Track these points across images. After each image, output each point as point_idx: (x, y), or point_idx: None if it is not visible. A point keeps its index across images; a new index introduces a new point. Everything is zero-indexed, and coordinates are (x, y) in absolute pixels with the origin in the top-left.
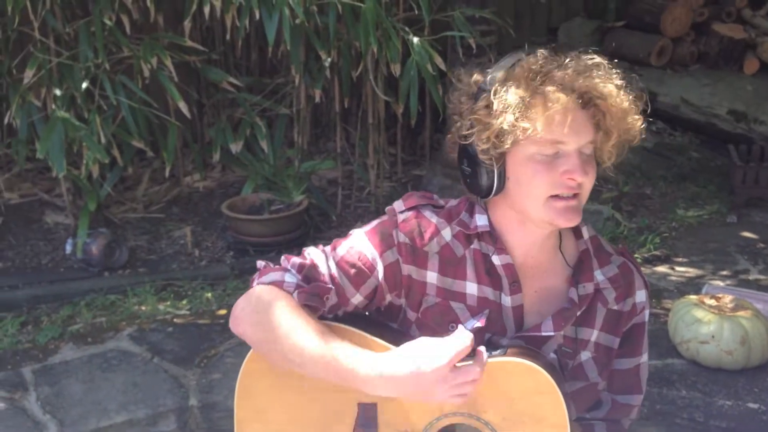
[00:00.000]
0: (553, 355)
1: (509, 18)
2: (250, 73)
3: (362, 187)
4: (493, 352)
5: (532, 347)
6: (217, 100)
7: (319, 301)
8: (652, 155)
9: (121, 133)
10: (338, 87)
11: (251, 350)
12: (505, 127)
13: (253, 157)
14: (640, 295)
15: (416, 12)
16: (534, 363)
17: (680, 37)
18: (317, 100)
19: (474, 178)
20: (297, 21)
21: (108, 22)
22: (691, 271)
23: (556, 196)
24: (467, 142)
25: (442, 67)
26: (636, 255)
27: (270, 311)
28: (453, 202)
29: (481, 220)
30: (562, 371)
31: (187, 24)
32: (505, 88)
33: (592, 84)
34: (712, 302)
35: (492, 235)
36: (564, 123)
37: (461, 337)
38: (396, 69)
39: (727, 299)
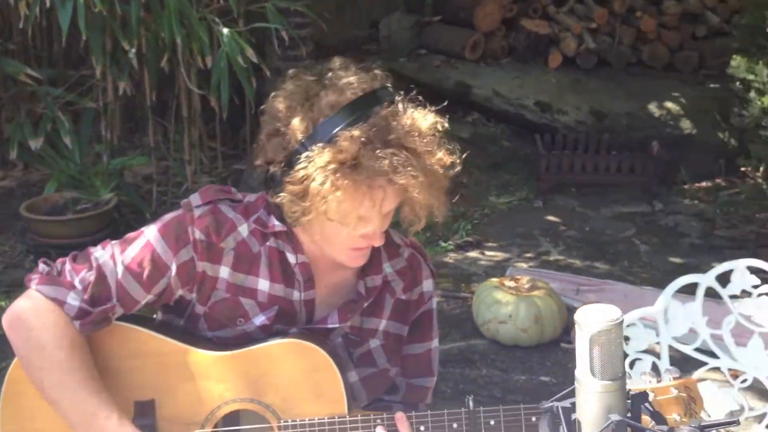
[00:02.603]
0: (339, 340)
1: (330, 11)
2: (52, 65)
3: (180, 183)
4: (274, 338)
5: (314, 331)
6: (15, 93)
7: (104, 324)
8: (468, 145)
9: None
10: (148, 79)
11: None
12: (315, 217)
13: (57, 154)
14: (427, 285)
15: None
16: (308, 342)
17: (492, 32)
18: (121, 92)
19: (278, 210)
20: (96, 10)
21: None
22: (499, 255)
23: (352, 248)
24: (272, 198)
25: (254, 59)
26: (450, 242)
27: (45, 335)
28: (251, 197)
29: (278, 222)
30: (349, 356)
31: None
32: (322, 179)
33: (408, 183)
34: (512, 284)
35: (288, 235)
36: (373, 208)
37: None
38: (208, 61)
39: (524, 280)
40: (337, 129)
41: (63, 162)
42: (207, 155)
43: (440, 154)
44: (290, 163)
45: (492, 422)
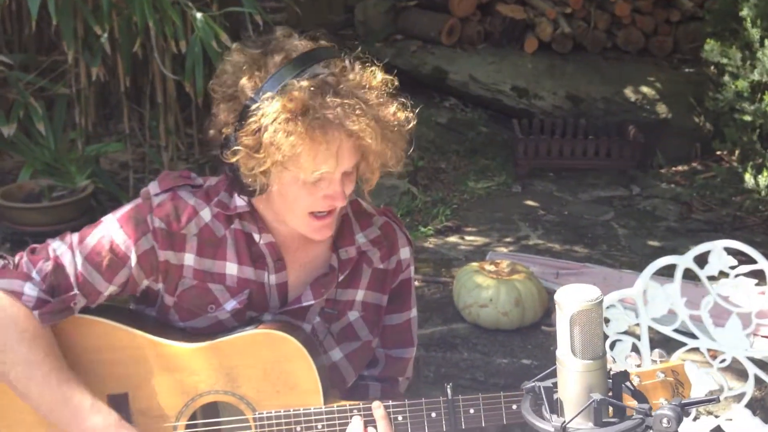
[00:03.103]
0: (317, 319)
1: None
2: (23, 50)
3: (156, 170)
4: (246, 328)
5: (289, 320)
6: None
7: (65, 314)
8: (446, 130)
9: None
10: (121, 65)
11: None
12: (272, 168)
13: (31, 141)
14: (404, 252)
15: None
16: (282, 332)
17: (468, 17)
18: (95, 78)
19: (235, 182)
20: None
21: None
22: (479, 240)
23: (314, 214)
24: (228, 158)
25: (229, 44)
26: (429, 227)
27: (4, 329)
28: (212, 181)
29: (240, 201)
30: (329, 333)
31: None
32: (275, 128)
33: (360, 128)
34: (492, 268)
35: (253, 215)
36: (330, 157)
37: None
38: (182, 46)
39: (504, 264)
40: (285, 80)
41: (37, 149)
42: (184, 142)
43: (393, 108)
44: (242, 117)
45: (472, 411)
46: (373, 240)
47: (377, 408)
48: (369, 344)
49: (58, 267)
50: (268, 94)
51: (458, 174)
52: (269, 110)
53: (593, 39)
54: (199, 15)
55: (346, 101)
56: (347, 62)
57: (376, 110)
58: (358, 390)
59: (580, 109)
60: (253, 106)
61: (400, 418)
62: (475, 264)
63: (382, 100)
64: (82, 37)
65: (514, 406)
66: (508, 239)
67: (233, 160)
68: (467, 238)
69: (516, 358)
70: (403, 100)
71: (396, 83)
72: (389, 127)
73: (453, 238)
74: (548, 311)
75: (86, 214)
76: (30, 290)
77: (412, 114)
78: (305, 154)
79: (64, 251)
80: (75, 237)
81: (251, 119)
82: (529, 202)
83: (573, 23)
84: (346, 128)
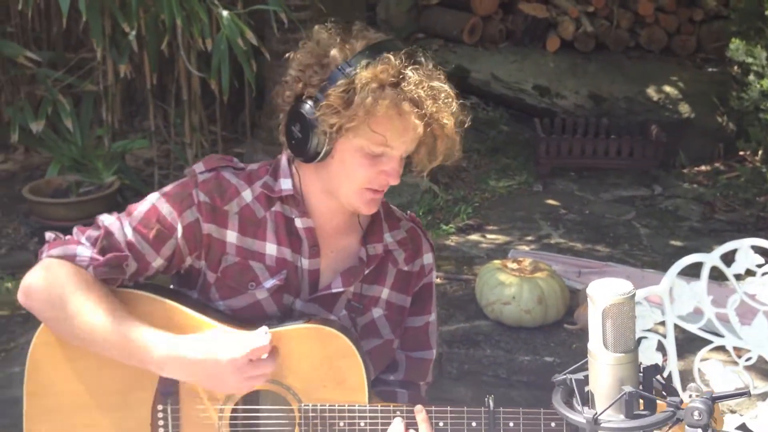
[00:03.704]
0: (343, 312)
1: None
2: (52, 47)
3: (181, 167)
4: (295, 322)
5: (326, 307)
6: (15, 76)
7: (117, 272)
8: (468, 129)
9: None
10: (148, 62)
11: (42, 324)
12: (358, 126)
13: (58, 137)
14: (428, 258)
15: None
16: (333, 329)
17: (489, 16)
18: (122, 75)
19: (302, 143)
20: None
21: None
22: (500, 238)
23: (368, 188)
24: (307, 113)
25: (254, 42)
26: (451, 225)
27: (61, 288)
28: (254, 166)
29: (285, 184)
30: (354, 327)
31: None
32: (369, 91)
33: (438, 112)
34: (514, 266)
35: (295, 199)
36: (403, 134)
37: (260, 336)
38: (208, 44)
39: (527, 262)
40: (378, 57)
41: (65, 145)
42: (207, 139)
43: (456, 108)
44: (332, 80)
45: (511, 424)
46: (400, 241)
47: (419, 412)
48: (390, 344)
49: (109, 234)
50: (364, 61)
51: (479, 173)
52: (363, 74)
53: (616, 38)
54: (225, 13)
55: (431, 84)
56: (424, 55)
57: (449, 101)
58: (386, 397)
59: (602, 109)
60: (347, 70)
61: (441, 424)
62: (497, 262)
63: (452, 95)
64: (109, 35)
65: (553, 424)
66: (529, 238)
67: (317, 114)
68: (489, 236)
69: (538, 355)
70: (462, 101)
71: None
72: (457, 118)
73: (474, 236)
74: (570, 309)
75: (112, 210)
76: (83, 251)
77: (468, 115)
78: (390, 125)
79: (113, 222)
80: (123, 213)
81: (342, 81)
82: (551, 202)
83: (596, 22)
84: (427, 109)
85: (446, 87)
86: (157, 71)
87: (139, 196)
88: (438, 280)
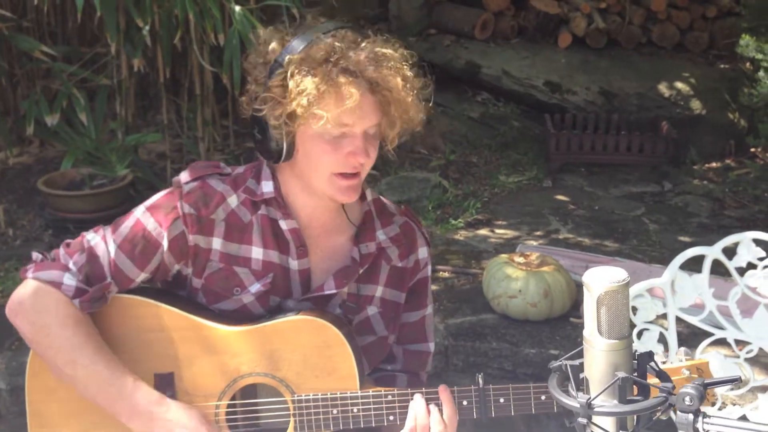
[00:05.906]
0: (339, 311)
1: None
2: (67, 42)
3: (193, 160)
4: (287, 314)
5: (319, 307)
6: (30, 70)
7: (102, 302)
8: (478, 125)
9: None
10: (161, 57)
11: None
12: (298, 111)
13: (73, 131)
14: (422, 252)
15: None
16: (323, 319)
17: (501, 11)
18: (136, 69)
19: (264, 144)
20: None
21: None
22: (509, 233)
23: (339, 174)
24: (259, 113)
25: None
26: (460, 219)
27: (48, 316)
28: (240, 170)
29: (267, 187)
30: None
31: None
32: (300, 73)
33: (381, 75)
34: (521, 260)
35: (278, 201)
36: (353, 109)
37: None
38: (221, 38)
39: (534, 256)
40: (311, 39)
41: (79, 138)
42: (219, 133)
43: (410, 73)
44: (271, 72)
45: (501, 400)
46: (393, 238)
47: (443, 391)
48: (384, 340)
49: (92, 258)
50: (299, 47)
51: (489, 168)
52: (295, 59)
53: (628, 34)
54: (237, 8)
55: (368, 54)
56: (371, 34)
57: (396, 65)
58: (385, 381)
59: (613, 105)
60: (282, 58)
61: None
62: (504, 255)
63: (401, 61)
64: (123, 30)
65: (543, 397)
66: (538, 233)
67: (262, 108)
68: (497, 231)
69: (544, 348)
70: (422, 65)
71: (415, 57)
72: (408, 80)
73: (483, 231)
74: (576, 303)
75: (126, 203)
76: (68, 280)
77: (429, 80)
78: (328, 100)
79: (98, 242)
80: (108, 229)
81: (279, 70)
82: (560, 197)
83: (607, 18)
84: (367, 76)
85: (395, 54)
86: (170, 66)
87: (151, 189)
88: (446, 274)
